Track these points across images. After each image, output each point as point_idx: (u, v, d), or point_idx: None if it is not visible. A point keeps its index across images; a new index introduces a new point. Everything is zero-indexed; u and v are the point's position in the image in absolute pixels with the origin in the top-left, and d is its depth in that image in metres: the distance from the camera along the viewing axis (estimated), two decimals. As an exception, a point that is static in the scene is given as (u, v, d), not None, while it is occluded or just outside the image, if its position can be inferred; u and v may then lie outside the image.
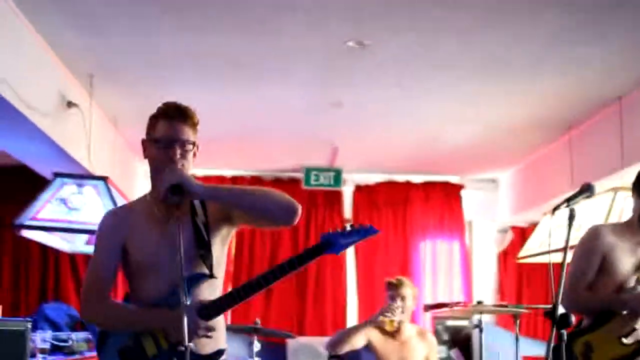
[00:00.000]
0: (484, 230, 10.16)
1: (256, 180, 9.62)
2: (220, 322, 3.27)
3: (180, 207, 3.15)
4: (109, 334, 3.21)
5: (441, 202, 9.92)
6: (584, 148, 7.40)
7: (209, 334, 3.11)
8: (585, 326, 4.13)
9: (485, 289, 9.70)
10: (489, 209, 10.14)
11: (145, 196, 3.36)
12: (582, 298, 4.12)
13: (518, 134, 8.02)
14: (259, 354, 6.09)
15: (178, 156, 3.13)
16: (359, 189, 9.86)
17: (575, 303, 4.09)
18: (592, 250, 4.13)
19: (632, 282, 4.06)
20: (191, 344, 2.88)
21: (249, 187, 3.44)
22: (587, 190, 3.43)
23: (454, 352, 8.47)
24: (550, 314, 3.16)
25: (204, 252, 3.17)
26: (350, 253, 9.59)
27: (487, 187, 10.14)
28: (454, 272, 9.86)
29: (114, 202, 5.71)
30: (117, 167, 7.54)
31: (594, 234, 4.17)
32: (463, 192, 10.00)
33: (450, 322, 8.76)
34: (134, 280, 3.24)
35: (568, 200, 3.40)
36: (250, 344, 6.08)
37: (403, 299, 5.75)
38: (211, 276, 3.19)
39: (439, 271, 9.85)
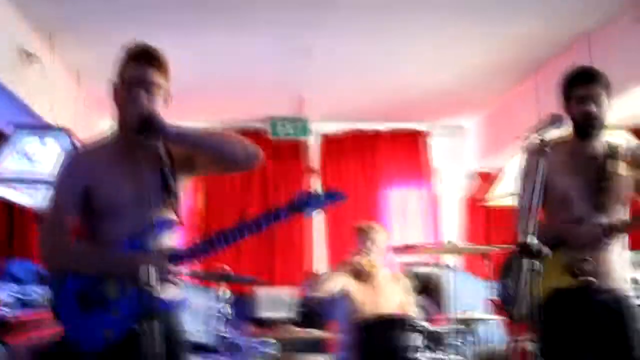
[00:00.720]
0: (451, 177, 10.17)
1: (224, 132, 9.52)
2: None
3: (147, 148, 3.09)
4: (66, 278, 3.08)
5: (408, 149, 9.92)
6: (550, 90, 7.31)
7: (176, 280, 3.08)
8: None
9: (453, 234, 9.71)
10: (456, 155, 10.15)
11: (108, 139, 3.27)
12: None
13: (486, 78, 8.01)
14: (228, 303, 6.05)
15: (143, 99, 3.07)
16: (326, 139, 9.82)
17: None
18: (532, 171, 3.80)
19: (579, 203, 3.84)
20: (157, 289, 2.82)
21: (213, 131, 3.38)
22: (556, 120, 3.41)
23: (424, 300, 8.49)
24: (523, 246, 3.16)
25: (171, 198, 3.13)
26: (318, 203, 9.57)
27: (454, 133, 10.13)
28: (422, 218, 9.88)
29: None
30: (79, 122, 7.42)
31: (530, 154, 3.97)
32: (430, 140, 10.00)
33: (419, 270, 8.76)
34: (95, 223, 3.15)
35: (538, 130, 3.37)
36: (219, 293, 6.02)
37: (373, 242, 5.75)
38: (180, 222, 3.17)
39: (407, 218, 9.86)
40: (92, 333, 3.02)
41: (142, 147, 3.07)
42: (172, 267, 3.04)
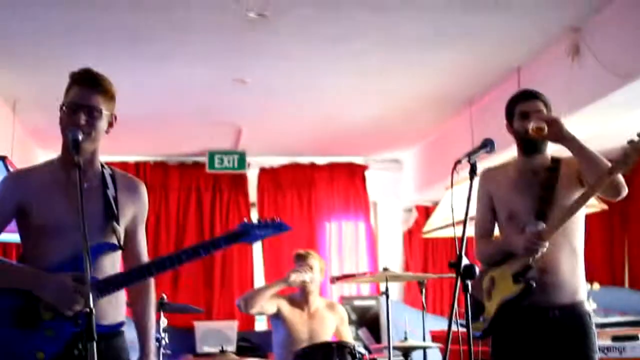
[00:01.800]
0: (389, 210, 10.28)
1: (160, 165, 9.54)
2: (121, 296, 3.22)
3: (92, 171, 3.12)
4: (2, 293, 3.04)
5: (346, 182, 10.00)
6: (485, 122, 7.48)
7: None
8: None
9: (392, 266, 9.77)
10: (394, 188, 10.26)
11: (52, 161, 3.26)
12: (482, 246, 4.03)
13: (420, 110, 8.08)
14: (166, 333, 5.95)
15: (83, 122, 3.05)
16: (264, 172, 9.85)
17: (479, 253, 4.03)
18: (481, 195, 4.02)
19: (524, 217, 3.83)
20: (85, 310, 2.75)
21: None
22: (487, 144, 3.49)
23: (362, 332, 8.51)
24: (455, 264, 3.21)
25: (113, 223, 3.13)
26: (256, 237, 9.58)
27: (391, 167, 10.25)
28: (360, 251, 9.96)
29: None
30: (15, 154, 7.32)
31: (479, 179, 4.00)
32: (367, 173, 10.09)
33: (357, 302, 8.80)
34: (32, 244, 3.13)
35: (469, 154, 3.44)
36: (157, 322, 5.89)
37: (311, 269, 5.74)
38: (120, 248, 3.16)
39: (345, 251, 9.95)
40: (23, 352, 2.97)
41: (86, 170, 3.08)
42: (99, 293, 2.99)
